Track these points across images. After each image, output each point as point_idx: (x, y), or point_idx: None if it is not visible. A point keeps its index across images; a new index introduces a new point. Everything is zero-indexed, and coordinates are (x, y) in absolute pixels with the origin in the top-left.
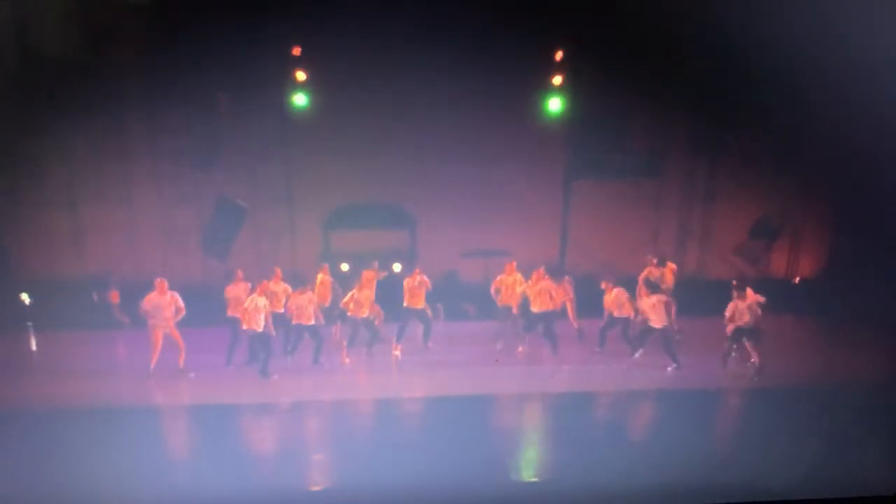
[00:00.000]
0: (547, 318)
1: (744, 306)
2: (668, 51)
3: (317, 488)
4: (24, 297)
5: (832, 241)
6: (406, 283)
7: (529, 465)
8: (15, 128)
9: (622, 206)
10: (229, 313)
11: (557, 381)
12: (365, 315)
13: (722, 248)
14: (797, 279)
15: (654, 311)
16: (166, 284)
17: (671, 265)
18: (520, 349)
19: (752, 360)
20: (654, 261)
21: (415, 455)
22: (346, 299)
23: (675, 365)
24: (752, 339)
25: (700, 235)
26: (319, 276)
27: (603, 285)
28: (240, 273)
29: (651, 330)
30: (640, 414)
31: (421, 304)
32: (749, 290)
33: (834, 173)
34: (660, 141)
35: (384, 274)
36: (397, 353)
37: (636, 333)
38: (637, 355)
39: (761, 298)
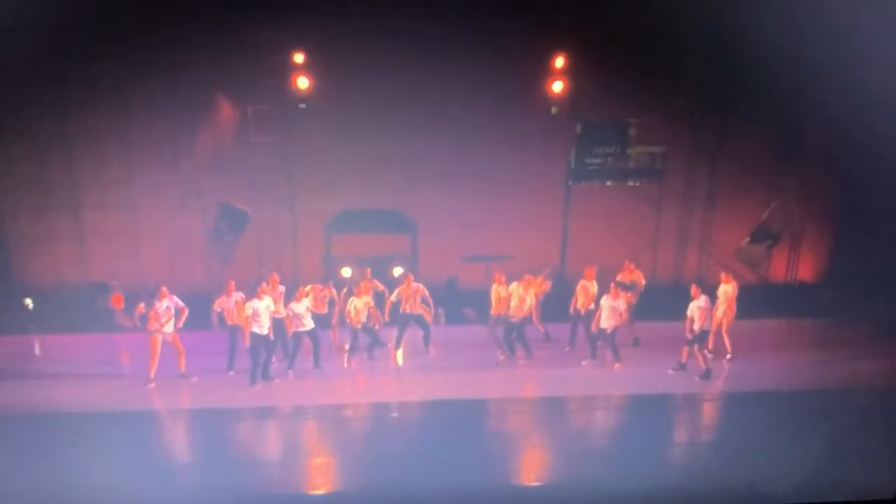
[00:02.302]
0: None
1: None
2: (670, 55)
3: (318, 492)
4: (28, 302)
5: (833, 243)
6: (401, 290)
7: (530, 469)
8: (17, 133)
9: (623, 210)
10: (229, 322)
11: (559, 384)
12: (364, 321)
13: (722, 252)
14: (797, 282)
15: (611, 312)
16: (165, 291)
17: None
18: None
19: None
20: (631, 265)
21: (416, 459)
22: (346, 308)
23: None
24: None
25: (700, 239)
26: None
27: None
28: (231, 284)
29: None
30: (642, 418)
31: (418, 309)
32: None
33: (835, 176)
34: (661, 145)
35: (380, 287)
36: (398, 357)
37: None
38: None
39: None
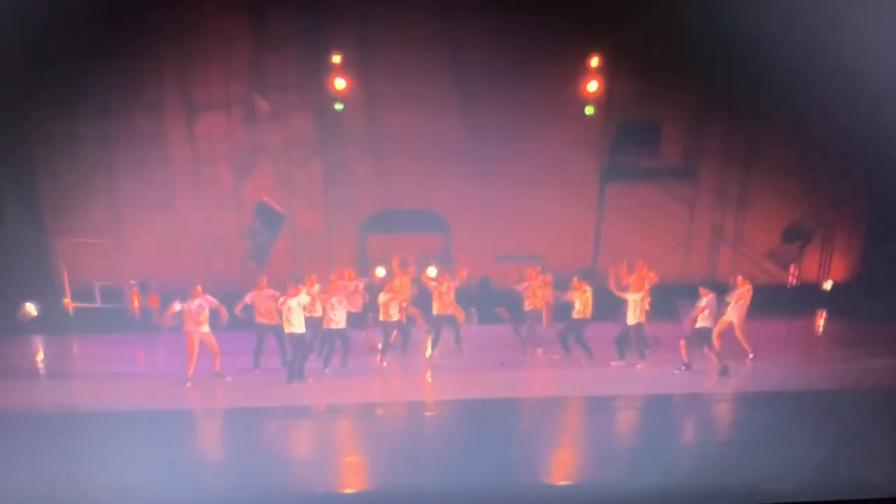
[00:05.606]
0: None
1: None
2: (703, 55)
3: (351, 490)
4: (66, 303)
5: (864, 244)
6: (434, 289)
7: (560, 468)
8: (55, 135)
9: (656, 210)
10: (257, 319)
11: (582, 384)
12: (397, 318)
13: (754, 252)
14: (829, 282)
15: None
16: (199, 290)
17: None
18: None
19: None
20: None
21: (447, 457)
22: (383, 299)
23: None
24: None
25: (733, 239)
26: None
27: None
28: (264, 280)
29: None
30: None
31: (450, 310)
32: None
33: (867, 176)
34: (693, 145)
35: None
36: (431, 359)
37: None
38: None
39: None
